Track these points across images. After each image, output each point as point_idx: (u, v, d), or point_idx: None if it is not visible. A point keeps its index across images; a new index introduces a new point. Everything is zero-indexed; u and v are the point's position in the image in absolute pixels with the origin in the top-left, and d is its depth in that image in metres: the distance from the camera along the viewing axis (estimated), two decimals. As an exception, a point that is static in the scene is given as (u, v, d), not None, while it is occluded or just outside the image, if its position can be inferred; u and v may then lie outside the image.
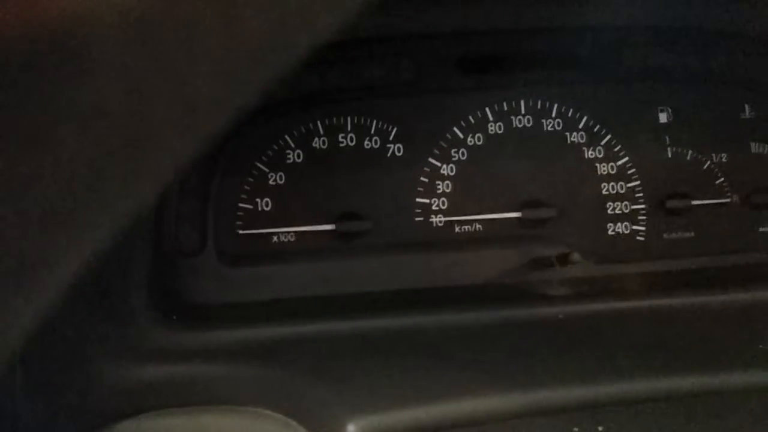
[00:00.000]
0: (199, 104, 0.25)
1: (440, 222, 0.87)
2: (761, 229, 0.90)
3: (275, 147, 0.86)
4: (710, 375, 0.63)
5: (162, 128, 0.25)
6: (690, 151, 0.90)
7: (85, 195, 0.25)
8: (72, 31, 0.22)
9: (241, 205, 0.85)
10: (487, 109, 0.89)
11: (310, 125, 0.86)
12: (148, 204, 0.27)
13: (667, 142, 0.90)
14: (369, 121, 0.87)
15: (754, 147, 0.91)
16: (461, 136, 0.88)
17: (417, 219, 0.87)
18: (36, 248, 0.26)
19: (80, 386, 0.66)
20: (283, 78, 0.26)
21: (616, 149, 0.89)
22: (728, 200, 0.90)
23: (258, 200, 0.85)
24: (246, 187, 0.85)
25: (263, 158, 0.85)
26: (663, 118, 0.90)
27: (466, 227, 0.88)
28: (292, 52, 0.26)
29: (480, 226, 0.88)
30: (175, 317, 0.73)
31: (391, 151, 0.87)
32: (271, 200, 0.85)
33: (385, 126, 0.87)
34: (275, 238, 0.85)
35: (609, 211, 0.89)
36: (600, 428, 0.55)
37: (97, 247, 0.27)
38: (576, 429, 0.55)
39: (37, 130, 0.24)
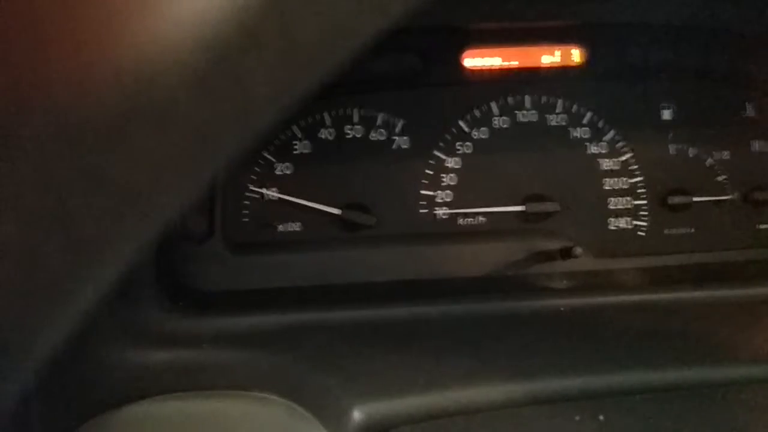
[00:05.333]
0: (256, 107, 0.27)
1: (444, 214, 0.88)
2: (760, 226, 0.91)
3: (282, 137, 0.86)
4: (709, 367, 0.64)
5: (222, 127, 0.27)
6: (692, 148, 0.91)
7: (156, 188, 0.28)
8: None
9: (248, 194, 0.86)
10: (492, 103, 0.90)
11: (317, 116, 0.87)
12: (202, 193, 0.29)
13: (670, 139, 0.91)
14: (375, 113, 0.88)
15: (755, 145, 0.92)
16: (466, 129, 0.89)
17: (421, 211, 0.88)
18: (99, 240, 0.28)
19: (85, 370, 0.67)
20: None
21: (619, 145, 0.90)
22: (729, 197, 0.91)
23: (265, 189, 0.86)
24: (253, 176, 0.86)
25: (270, 148, 0.86)
26: (666, 115, 0.91)
27: (470, 220, 0.89)
28: (338, 59, 0.28)
29: (483, 219, 0.89)
30: (181, 303, 0.74)
31: (396, 143, 0.88)
32: (277, 190, 0.86)
33: (391, 118, 0.88)
34: (281, 227, 0.86)
35: (611, 206, 0.90)
36: (601, 417, 0.56)
37: (158, 233, 0.29)
38: (578, 417, 0.56)
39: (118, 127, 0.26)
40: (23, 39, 0.26)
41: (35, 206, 0.26)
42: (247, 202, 0.86)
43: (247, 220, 0.86)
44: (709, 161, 0.91)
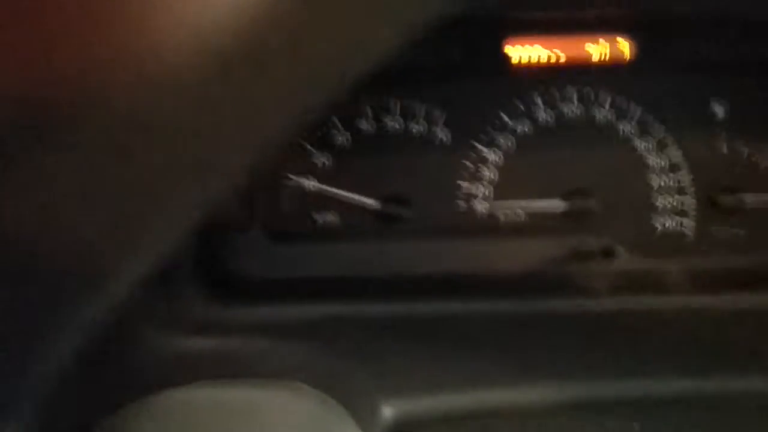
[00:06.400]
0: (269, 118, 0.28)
1: (483, 209, 0.87)
2: (815, 231, 0.87)
3: (322, 128, 0.86)
4: (751, 377, 0.62)
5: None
6: (745, 146, 0.87)
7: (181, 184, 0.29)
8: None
9: (286, 184, 0.86)
10: (535, 96, 0.88)
11: (358, 108, 0.87)
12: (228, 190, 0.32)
13: (722, 136, 0.87)
14: (416, 105, 0.87)
15: (814, 143, 0.88)
16: (509, 122, 0.87)
17: (460, 205, 0.87)
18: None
19: (124, 357, 0.69)
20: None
21: (667, 142, 0.87)
22: None
23: (303, 180, 0.86)
24: (292, 167, 0.86)
25: (309, 139, 0.86)
26: (718, 111, 0.88)
27: (510, 215, 0.87)
28: (347, 77, 0.29)
29: (523, 214, 0.87)
30: (220, 292, 0.75)
31: (437, 135, 0.87)
32: (316, 180, 0.86)
33: (432, 110, 0.87)
34: (319, 218, 0.86)
35: (657, 205, 0.87)
36: (636, 425, 0.55)
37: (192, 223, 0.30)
38: (612, 424, 0.55)
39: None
40: (69, 35, 0.28)
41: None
42: (286, 192, 0.86)
43: (286, 210, 0.86)
44: (763, 160, 0.87)
